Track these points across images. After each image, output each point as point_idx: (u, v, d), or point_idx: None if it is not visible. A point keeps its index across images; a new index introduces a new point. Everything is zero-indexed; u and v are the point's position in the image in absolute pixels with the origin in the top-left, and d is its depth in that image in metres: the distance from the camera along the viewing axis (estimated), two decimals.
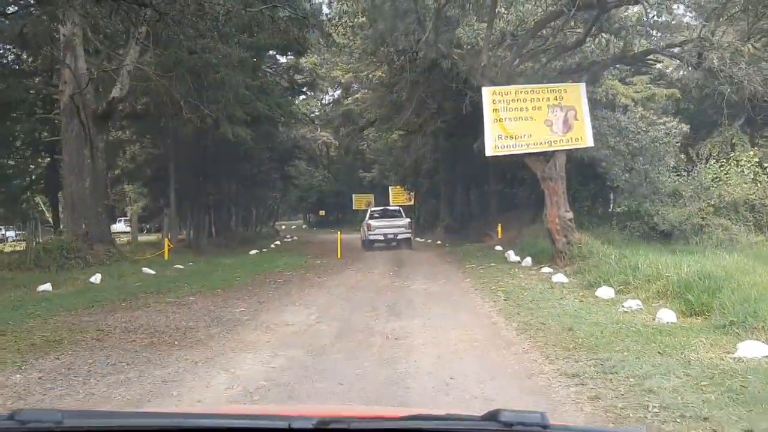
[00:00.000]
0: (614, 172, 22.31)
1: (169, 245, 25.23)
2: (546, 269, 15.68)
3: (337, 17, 50.32)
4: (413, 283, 15.53)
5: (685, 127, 23.20)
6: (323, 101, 63.99)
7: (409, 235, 28.25)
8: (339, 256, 25.29)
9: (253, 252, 29.33)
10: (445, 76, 25.93)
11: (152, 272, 18.91)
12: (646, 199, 24.02)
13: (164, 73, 22.41)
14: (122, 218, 51.75)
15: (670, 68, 26.94)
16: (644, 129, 22.43)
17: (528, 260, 17.74)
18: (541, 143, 16.22)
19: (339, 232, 26.91)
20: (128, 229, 50.95)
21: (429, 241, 35.70)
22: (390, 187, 51.32)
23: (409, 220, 29.69)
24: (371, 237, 28.22)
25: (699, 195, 23.21)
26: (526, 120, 16.31)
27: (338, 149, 64.57)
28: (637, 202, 23.79)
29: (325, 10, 54.13)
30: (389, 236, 27.74)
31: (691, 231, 22.72)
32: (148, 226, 43.10)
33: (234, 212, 40.53)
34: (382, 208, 32.65)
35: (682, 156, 24.31)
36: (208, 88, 24.43)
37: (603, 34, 17.44)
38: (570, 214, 16.24)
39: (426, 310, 10.94)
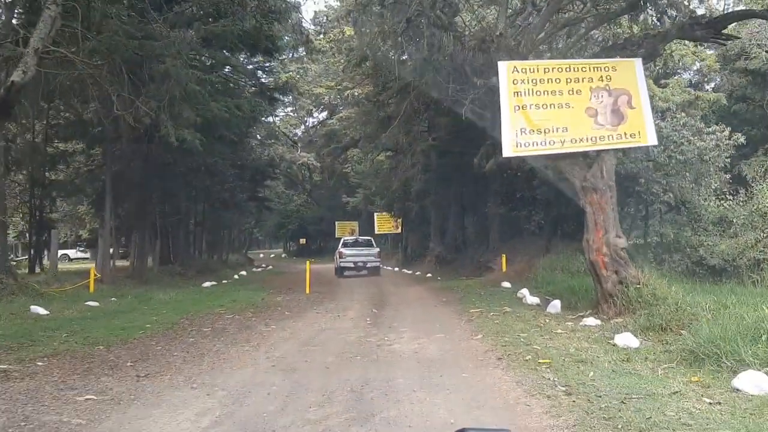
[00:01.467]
0: (654, 191, 17.43)
1: (95, 275, 20.02)
2: (590, 320, 10.63)
3: (321, 30, 45.67)
4: (398, 337, 10.46)
5: (742, 138, 18.38)
6: (307, 124, 59.42)
7: (378, 264, 29.48)
8: (308, 291, 20.17)
9: (208, 284, 24.15)
10: (439, 72, 21.21)
11: (43, 312, 13.70)
12: (685, 227, 19.23)
13: (91, 60, 17.58)
14: (80, 243, 46.40)
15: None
16: (689, 139, 17.62)
17: (555, 305, 12.67)
18: (581, 140, 11.28)
19: (308, 262, 21.79)
20: (87, 255, 45.74)
21: (418, 273, 30.58)
22: (375, 214, 46.34)
23: (378, 249, 31.18)
24: (342, 264, 29.04)
25: (753, 223, 18.39)
26: (560, 108, 11.41)
27: (321, 172, 59.81)
28: (676, 231, 18.94)
29: (307, 24, 49.92)
30: (359, 264, 28.73)
31: (746, 267, 17.91)
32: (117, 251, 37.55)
33: (197, 237, 35.29)
34: (354, 237, 34.48)
35: (726, 176, 19.41)
36: (149, 81, 19.55)
37: None
38: (623, 241, 11.25)
39: (419, 406, 5.85)
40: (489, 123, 24.99)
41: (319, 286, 23.56)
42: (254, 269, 37.64)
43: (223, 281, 26.50)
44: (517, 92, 11.47)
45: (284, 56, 34.08)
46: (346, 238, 33.46)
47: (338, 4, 35.17)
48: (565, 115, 11.37)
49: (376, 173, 40.24)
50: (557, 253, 19.27)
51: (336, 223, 55.19)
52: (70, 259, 44.71)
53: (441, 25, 13.62)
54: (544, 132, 11.27)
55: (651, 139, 11.36)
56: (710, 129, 18.01)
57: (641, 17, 12.96)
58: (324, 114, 55.15)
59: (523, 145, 11.30)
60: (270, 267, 43.26)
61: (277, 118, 50.55)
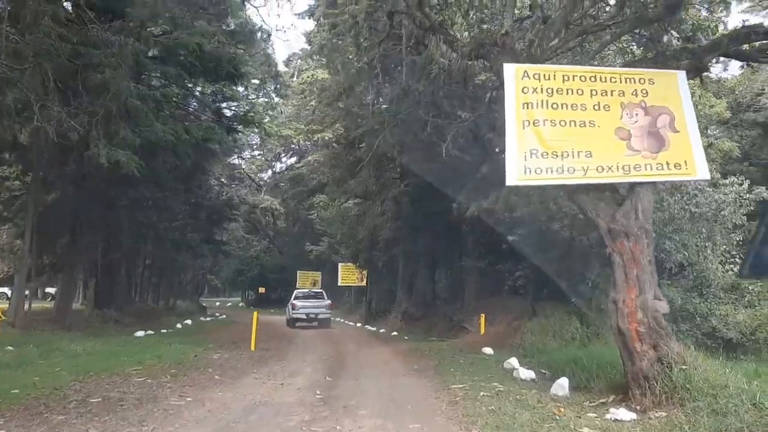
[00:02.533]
0: (667, 248, 14.71)
1: (2, 317, 16.54)
2: (620, 412, 7.62)
3: (294, 71, 43.09)
4: (355, 425, 7.33)
5: (765, 192, 15.88)
6: (275, 168, 56.48)
7: (328, 316, 29.78)
8: (253, 347, 16.90)
9: (142, 334, 20.70)
10: (418, 105, 18.57)
11: None
12: (692, 292, 16.59)
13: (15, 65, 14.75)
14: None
15: None
16: (705, 189, 15.07)
17: (562, 385, 9.61)
18: (609, 169, 8.45)
19: (256, 313, 18.48)
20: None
21: (382, 330, 27.33)
22: (340, 265, 43.06)
23: (329, 302, 31.32)
24: (294, 315, 29.03)
25: None
26: (583, 126, 8.63)
27: (285, 218, 56.59)
28: (683, 296, 16.25)
29: (281, 67, 47.54)
30: (311, 315, 28.71)
31: (765, 342, 15.35)
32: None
33: (143, 279, 31.64)
34: (307, 289, 34.44)
35: (737, 237, 16.85)
36: (83, 93, 16.62)
37: None
38: (664, 305, 8.32)
39: None
40: (472, 163, 22.39)
41: (269, 341, 20.30)
42: (204, 318, 33.90)
43: (162, 331, 22.98)
44: (528, 104, 8.68)
45: (252, 89, 31.42)
46: (298, 290, 33.70)
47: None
48: (588, 135, 8.58)
49: (343, 220, 37.24)
50: (545, 315, 16.36)
51: (298, 272, 51.74)
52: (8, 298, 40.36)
53: (428, 27, 10.87)
54: (561, 156, 8.44)
55: (701, 171, 8.55)
56: (726, 181, 15.49)
57: (681, 26, 10.41)
58: (293, 159, 52.40)
59: (534, 171, 8.43)
60: (223, 316, 39.49)
61: (242, 161, 47.78)
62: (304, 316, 28.70)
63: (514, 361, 12.70)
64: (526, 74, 8.82)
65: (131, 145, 16.99)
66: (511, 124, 8.61)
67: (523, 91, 8.72)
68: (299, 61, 49.24)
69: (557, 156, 8.45)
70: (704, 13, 12.24)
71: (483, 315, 18.34)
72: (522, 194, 15.13)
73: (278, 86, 32.83)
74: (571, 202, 9.62)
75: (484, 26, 11.05)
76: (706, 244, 15.48)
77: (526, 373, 11.37)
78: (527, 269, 16.96)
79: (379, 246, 30.65)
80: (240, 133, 26.70)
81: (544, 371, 11.93)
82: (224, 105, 24.77)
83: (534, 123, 8.59)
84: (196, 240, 32.45)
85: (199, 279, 45.21)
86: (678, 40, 11.48)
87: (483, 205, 16.86)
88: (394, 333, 24.93)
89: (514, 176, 8.53)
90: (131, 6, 18.26)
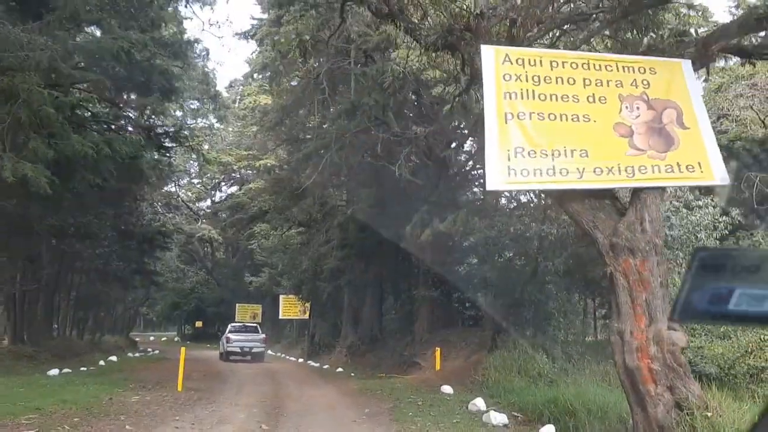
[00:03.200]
0: None
1: None
2: None
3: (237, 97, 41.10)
4: None
5: (739, 216, 14.78)
6: (214, 198, 53.92)
7: (263, 350, 29.58)
8: (180, 388, 14.72)
9: (56, 372, 18.25)
10: (369, 120, 16.99)
11: None
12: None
13: None
14: None
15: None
16: (678, 209, 13.84)
17: None
18: (610, 171, 6.89)
19: (183, 349, 16.27)
20: None
21: (326, 367, 25.24)
22: (281, 297, 40.76)
23: (264, 336, 31.04)
24: (229, 349, 28.58)
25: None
26: (576, 120, 7.10)
27: (225, 249, 53.96)
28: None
29: (224, 93, 45.54)
30: (245, 349, 28.51)
31: (743, 377, 14.15)
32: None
33: (67, 312, 28.75)
34: (241, 323, 34.02)
35: None
36: None
37: None
38: (681, 337, 6.69)
39: None
40: (426, 185, 20.84)
41: (201, 379, 18.11)
42: (133, 354, 31.04)
43: (82, 369, 20.46)
44: (510, 93, 7.11)
45: (189, 111, 29.34)
46: (233, 324, 33.04)
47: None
48: (583, 132, 7.05)
49: (285, 250, 35.17)
50: (507, 349, 14.69)
51: (237, 305, 49.05)
52: None
53: (386, 14, 9.26)
54: (552, 155, 6.87)
55: (719, 174, 7.06)
56: (700, 202, 14.31)
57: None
58: (234, 188, 50.00)
59: (519, 173, 6.81)
60: (155, 352, 36.57)
61: (180, 188, 45.26)
62: (239, 350, 28.45)
63: (480, 402, 10.99)
64: (507, 59, 7.27)
65: (43, 159, 14.77)
66: (491, 118, 7.01)
67: (504, 78, 7.15)
68: (241, 87, 47.37)
69: (546, 155, 6.87)
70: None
71: (438, 349, 16.60)
72: (484, 215, 13.62)
73: (217, 107, 30.77)
74: (567, 213, 7.94)
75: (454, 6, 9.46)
76: (679, 270, 14.20)
77: (497, 418, 9.64)
78: (488, 298, 15.36)
79: (324, 276, 28.69)
80: (171, 154, 24.48)
81: (516, 414, 10.25)
82: (157, 122, 22.59)
83: (518, 116, 7.02)
84: (126, 270, 29.83)
85: (131, 312, 42.05)
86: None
87: (439, 228, 15.26)
88: (339, 369, 22.91)
89: (496, 179, 6.91)
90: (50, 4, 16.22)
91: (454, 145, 21.08)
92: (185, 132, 22.35)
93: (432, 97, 16.19)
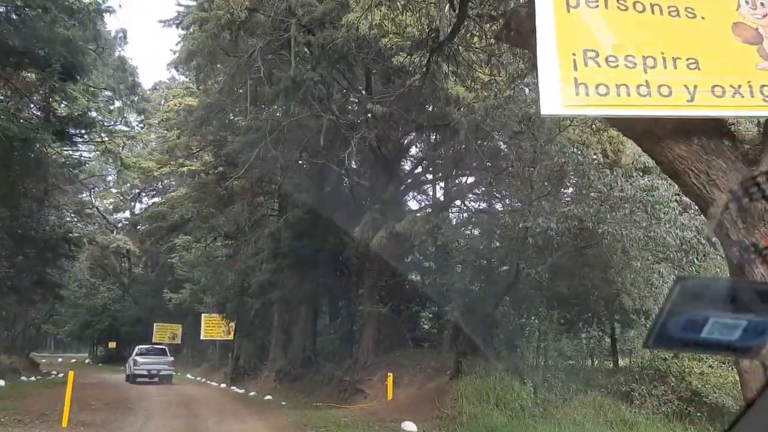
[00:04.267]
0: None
1: None
2: None
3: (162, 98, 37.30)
4: None
5: None
6: (134, 209, 49.36)
7: (171, 372, 28.75)
8: (64, 424, 11.31)
9: None
10: (311, 98, 14.09)
11: None
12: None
13: None
14: None
15: None
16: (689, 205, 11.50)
17: None
18: (734, 92, 4.22)
19: (71, 373, 12.71)
20: None
21: (253, 393, 21.82)
22: (203, 316, 36.88)
23: (172, 358, 30.27)
24: (136, 371, 27.77)
25: None
26: (674, 15, 4.42)
27: (144, 265, 49.46)
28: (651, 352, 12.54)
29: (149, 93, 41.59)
30: (153, 372, 27.76)
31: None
32: None
33: None
34: (149, 345, 32.22)
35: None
36: None
37: None
38: None
39: None
40: (375, 185, 18.02)
41: (100, 410, 14.71)
42: (28, 378, 26.38)
43: None
44: None
45: (103, 101, 25.52)
46: (140, 346, 31.28)
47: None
48: (688, 32, 4.40)
49: (208, 263, 31.57)
50: (478, 375, 11.91)
51: (155, 324, 44.63)
52: None
53: None
54: (643, 63, 4.18)
55: None
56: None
57: None
58: (156, 199, 45.73)
59: (593, 91, 4.10)
60: (59, 375, 31.99)
61: (94, 196, 40.81)
62: (146, 372, 27.68)
63: None
64: None
65: None
66: (547, 7, 4.26)
67: None
68: (165, 90, 43.48)
69: (635, 64, 4.18)
70: None
71: (390, 375, 13.67)
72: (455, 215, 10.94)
73: (137, 100, 27.12)
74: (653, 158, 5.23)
75: None
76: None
77: None
78: (451, 314, 12.57)
79: (251, 291, 25.34)
80: (79, 149, 20.83)
81: None
82: (59, 103, 18.92)
83: (587, 3, 4.30)
84: (25, 280, 25.58)
85: (31, 331, 37.09)
86: None
87: (396, 229, 12.43)
88: (268, 397, 19.56)
89: (554, 100, 4.15)
90: None
91: (407, 141, 18.41)
92: (93, 118, 18.75)
93: (392, 70, 13.40)
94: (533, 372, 11.68)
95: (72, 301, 47.30)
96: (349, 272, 20.45)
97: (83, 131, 19.03)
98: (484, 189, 16.28)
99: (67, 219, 33.20)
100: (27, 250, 25.04)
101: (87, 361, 53.56)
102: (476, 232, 13.10)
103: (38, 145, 16.05)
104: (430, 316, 16.18)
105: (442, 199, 17.67)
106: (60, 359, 55.63)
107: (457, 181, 18.60)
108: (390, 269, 17.01)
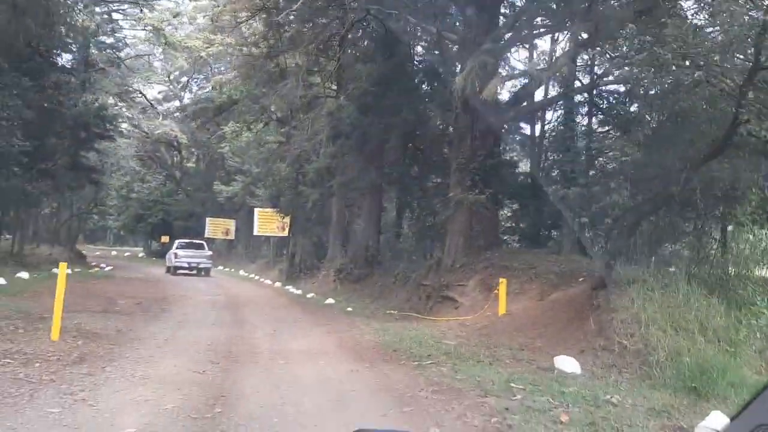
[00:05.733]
0: None
1: None
2: None
3: None
4: None
5: None
6: (183, 99, 45.52)
7: (209, 266, 28.92)
8: (55, 335, 7.70)
9: None
10: None
11: None
12: None
13: None
14: None
15: None
16: None
17: None
18: None
19: (63, 265, 8.95)
20: None
21: (311, 295, 18.38)
22: (257, 210, 33.64)
23: (210, 252, 30.68)
24: (177, 264, 28.20)
25: None
26: None
27: (194, 157, 46.26)
28: None
29: None
30: (192, 264, 28.06)
31: None
32: None
33: None
34: (188, 240, 32.09)
35: None
36: None
37: None
38: None
39: None
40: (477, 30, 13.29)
41: (121, 311, 11.31)
42: (71, 271, 23.23)
43: None
44: None
45: None
46: (180, 240, 31.89)
47: None
48: None
49: (259, 149, 27.81)
50: (642, 287, 7.67)
51: (207, 219, 41.94)
52: None
53: None
54: None
55: None
56: None
57: None
58: (205, 90, 41.73)
59: None
60: (108, 268, 29.44)
61: (139, 80, 37.05)
62: (186, 265, 28.00)
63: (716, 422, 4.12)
64: None
65: None
66: None
67: None
68: None
69: None
70: None
71: (503, 280, 9.70)
72: None
73: None
74: None
75: None
76: None
77: None
78: (617, 191, 8.23)
79: (308, 179, 21.50)
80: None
81: None
82: None
83: None
84: (57, 164, 22.24)
85: (76, 221, 34.31)
86: None
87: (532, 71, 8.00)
88: (330, 300, 16.02)
89: None
90: None
91: None
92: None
93: None
94: (737, 284, 7.50)
95: (122, 194, 44.81)
96: (427, 153, 16.34)
97: None
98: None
99: (110, 102, 29.67)
100: (56, 127, 21.51)
101: (141, 255, 51.74)
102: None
103: None
104: (543, 208, 12.06)
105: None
106: (114, 252, 54.09)
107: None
108: (488, 144, 12.80)
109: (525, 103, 14.00)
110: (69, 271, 22.38)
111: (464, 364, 6.64)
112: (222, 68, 36.23)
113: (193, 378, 6.12)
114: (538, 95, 14.89)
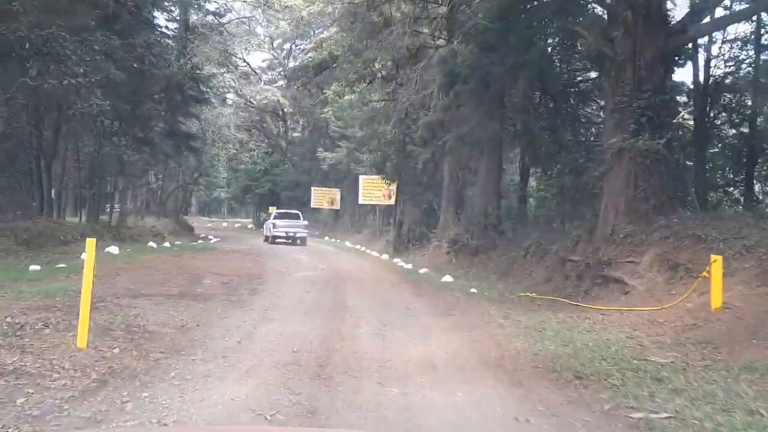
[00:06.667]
0: None
1: None
2: None
3: None
4: None
5: None
6: (286, 65, 43.63)
7: (305, 235, 28.88)
8: (81, 342, 5.25)
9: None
10: None
11: None
12: None
13: None
14: None
15: None
16: None
17: None
18: None
19: (91, 241, 6.53)
20: None
21: (424, 270, 15.64)
22: (362, 178, 31.30)
23: (306, 222, 30.47)
24: (275, 233, 28.49)
25: None
26: None
27: (299, 125, 44.58)
28: None
29: None
30: (290, 234, 28.28)
31: None
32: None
33: (77, 187, 20.10)
34: (285, 210, 33.02)
35: None
36: None
37: None
38: None
39: None
40: None
41: (203, 294, 9.08)
42: (158, 244, 21.43)
43: (60, 265, 11.65)
44: None
45: None
46: (277, 210, 33.34)
47: None
48: None
49: (362, 109, 25.19)
50: None
51: (312, 189, 40.26)
52: None
53: None
54: None
55: None
56: None
57: None
58: (308, 55, 39.69)
59: None
60: (215, 240, 28.12)
61: (236, 42, 35.32)
62: (283, 234, 28.32)
63: None
64: None
65: None
66: None
67: None
68: None
69: None
70: None
71: (718, 258, 6.46)
72: None
73: None
74: None
75: None
76: None
77: None
78: None
79: (418, 136, 18.64)
80: None
81: None
82: None
83: None
84: (153, 130, 20.64)
85: (182, 192, 33.38)
86: None
87: None
88: (447, 278, 13.16)
89: None
90: None
91: None
92: None
93: None
94: None
95: (231, 165, 44.04)
96: (562, 93, 13.05)
97: None
98: None
99: (212, 70, 28.07)
100: (150, 90, 19.82)
101: (250, 226, 51.11)
102: None
103: None
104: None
105: None
106: (224, 224, 53.89)
107: None
108: (657, 75, 9.37)
109: (707, 19, 10.40)
110: (167, 244, 21.00)
111: (722, 415, 3.58)
112: (323, 32, 33.97)
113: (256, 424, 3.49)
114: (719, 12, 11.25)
